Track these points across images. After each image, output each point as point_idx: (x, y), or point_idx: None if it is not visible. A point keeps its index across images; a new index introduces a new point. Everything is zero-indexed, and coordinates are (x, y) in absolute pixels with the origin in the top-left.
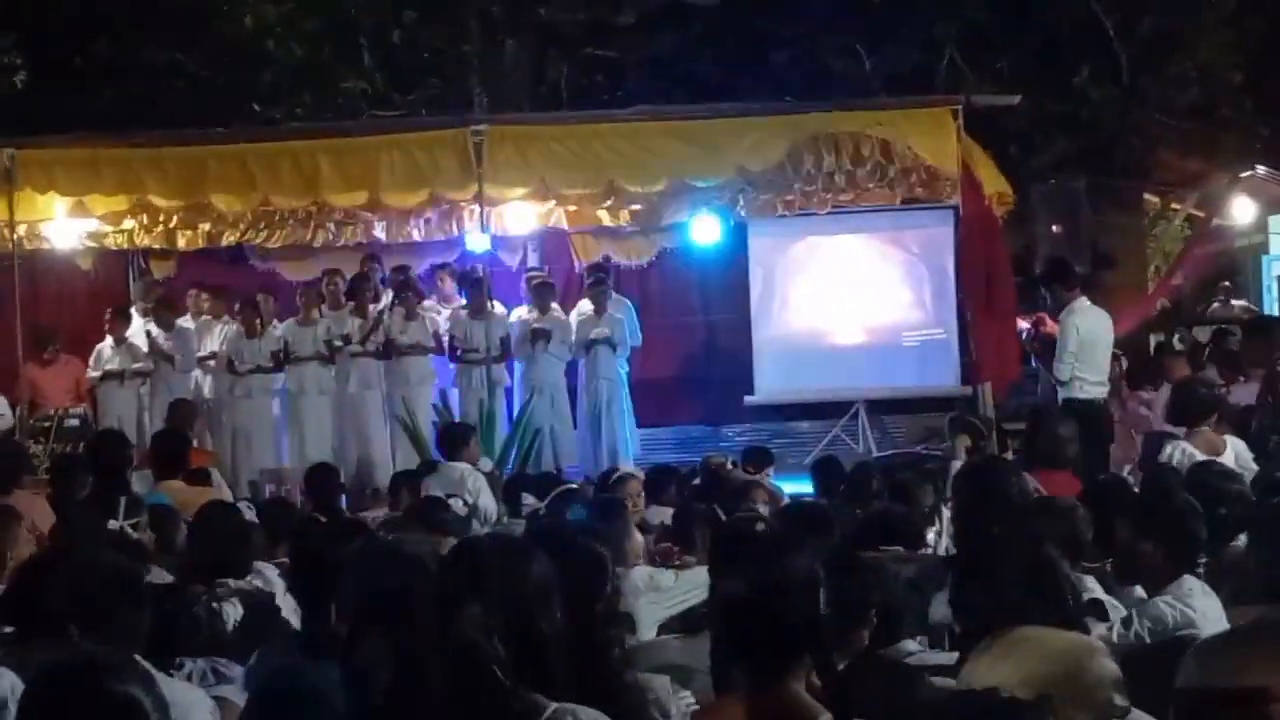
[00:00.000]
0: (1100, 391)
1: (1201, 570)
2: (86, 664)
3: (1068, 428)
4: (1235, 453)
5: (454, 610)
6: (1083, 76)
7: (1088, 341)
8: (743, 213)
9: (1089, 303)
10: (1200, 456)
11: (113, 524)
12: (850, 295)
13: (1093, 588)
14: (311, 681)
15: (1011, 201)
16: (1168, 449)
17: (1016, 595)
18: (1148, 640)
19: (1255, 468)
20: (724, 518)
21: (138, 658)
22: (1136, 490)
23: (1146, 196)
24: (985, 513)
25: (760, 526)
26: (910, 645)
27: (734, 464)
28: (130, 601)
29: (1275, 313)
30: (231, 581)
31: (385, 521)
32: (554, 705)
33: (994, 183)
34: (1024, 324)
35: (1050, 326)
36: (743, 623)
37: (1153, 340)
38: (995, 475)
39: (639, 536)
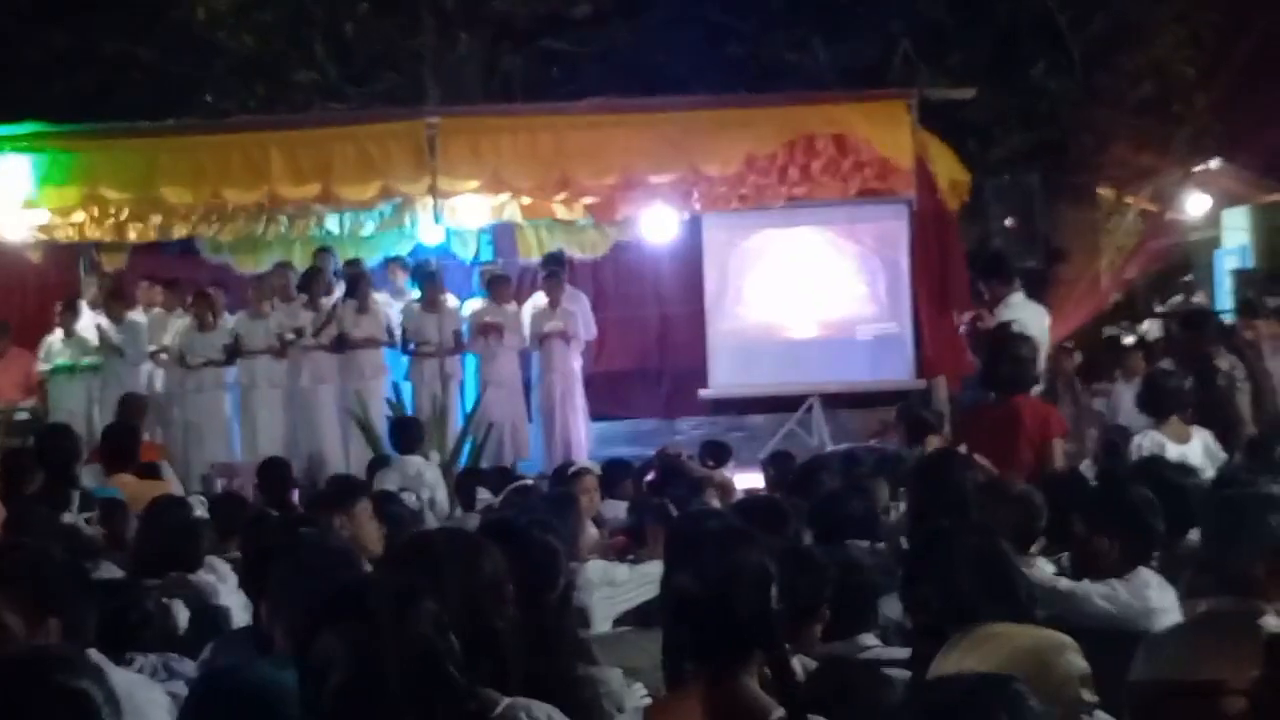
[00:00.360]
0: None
1: (1155, 563)
2: (34, 658)
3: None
4: (1203, 443)
5: (408, 606)
6: (1038, 70)
7: None
8: (697, 206)
9: (1025, 297)
10: (1170, 446)
11: (67, 517)
12: (804, 289)
13: (1044, 567)
14: (256, 678)
15: (967, 191)
16: (1136, 439)
17: (967, 589)
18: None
19: (1224, 456)
20: (677, 512)
21: (89, 651)
22: (1093, 484)
23: (1100, 191)
24: (937, 506)
25: (714, 521)
26: (868, 639)
27: (690, 458)
28: (81, 594)
29: (1229, 306)
30: (181, 575)
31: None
32: (506, 700)
33: (953, 171)
34: (963, 319)
35: (987, 321)
36: (695, 617)
37: (1105, 334)
38: (948, 468)
39: (593, 530)
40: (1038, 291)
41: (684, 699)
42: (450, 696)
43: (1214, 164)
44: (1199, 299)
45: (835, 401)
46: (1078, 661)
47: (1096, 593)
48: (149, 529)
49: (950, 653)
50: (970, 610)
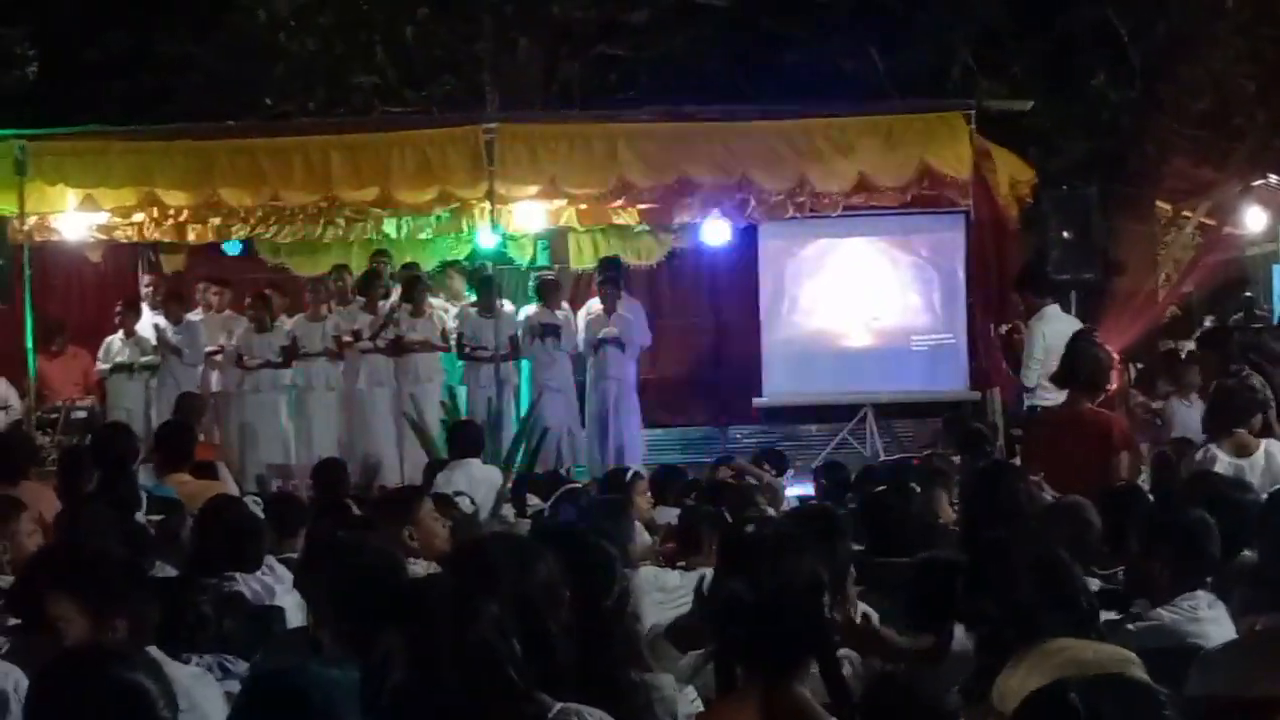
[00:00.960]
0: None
1: (1210, 580)
2: (92, 652)
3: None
4: (1268, 454)
5: (470, 608)
6: (1098, 81)
7: (1054, 349)
8: (753, 215)
9: (1059, 310)
10: (1227, 460)
11: (140, 518)
12: (860, 298)
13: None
14: (305, 678)
15: (1031, 190)
16: (1198, 454)
17: (1028, 599)
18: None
19: None
20: (730, 519)
21: (149, 649)
22: (1148, 500)
23: (1158, 204)
24: (993, 517)
25: (768, 528)
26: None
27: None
28: (139, 592)
29: None
30: (239, 576)
31: None
32: (559, 705)
33: (1014, 170)
34: (1000, 330)
35: (1021, 333)
36: (747, 623)
37: (1161, 348)
38: (1003, 480)
39: (645, 537)
40: (1093, 304)
41: (735, 705)
42: (507, 699)
43: (1273, 179)
44: (1261, 313)
45: (889, 411)
46: (1143, 677)
47: (1140, 628)
48: (209, 528)
49: (1015, 669)
50: (1030, 620)
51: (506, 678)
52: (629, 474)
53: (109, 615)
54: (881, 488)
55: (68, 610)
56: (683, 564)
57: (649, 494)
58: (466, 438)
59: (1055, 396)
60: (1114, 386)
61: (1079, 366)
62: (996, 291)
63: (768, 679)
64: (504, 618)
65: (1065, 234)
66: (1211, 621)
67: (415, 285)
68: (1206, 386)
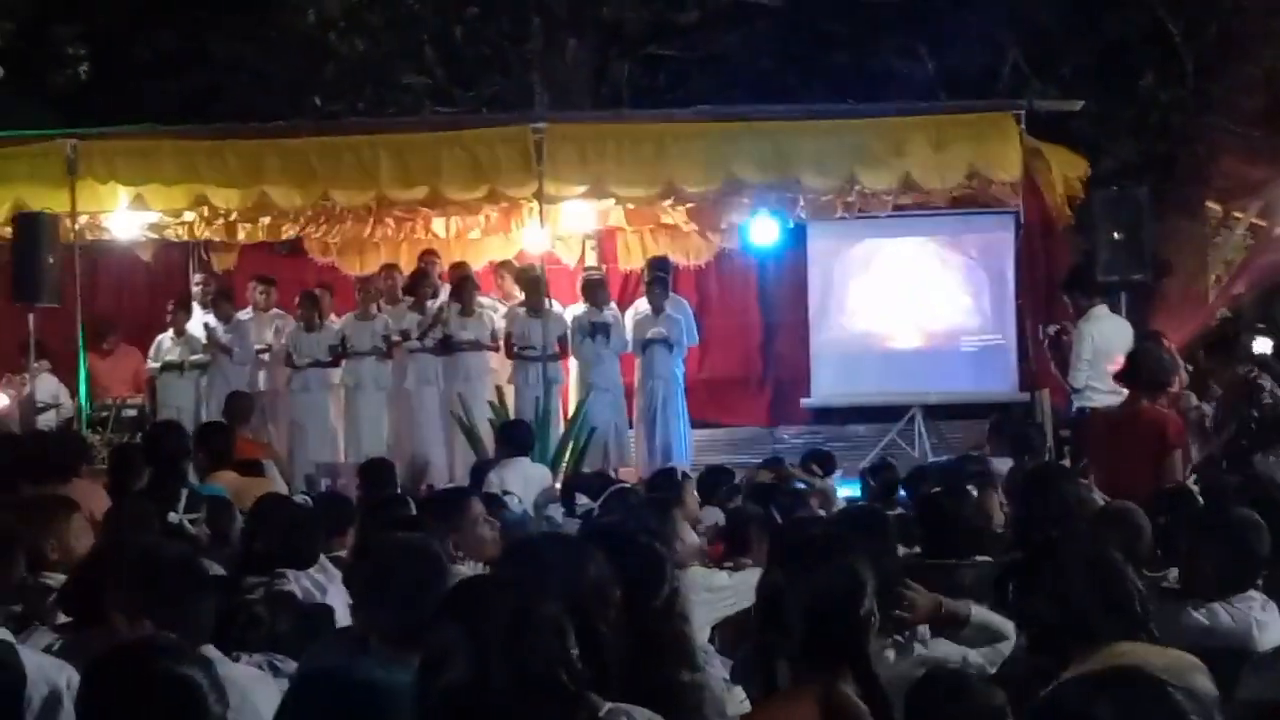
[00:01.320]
0: (1111, 400)
1: (1261, 582)
2: (144, 646)
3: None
4: None
5: (528, 609)
6: (1149, 81)
7: (1102, 350)
8: (802, 214)
9: (1108, 311)
10: None
11: (173, 517)
12: (909, 299)
13: None
14: (353, 677)
15: (1083, 186)
16: (1257, 456)
17: (1082, 602)
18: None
19: None
20: (780, 520)
21: (204, 647)
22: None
23: (1208, 204)
24: (1045, 519)
25: (818, 529)
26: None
27: (793, 466)
28: (196, 591)
29: None
30: (290, 573)
31: None
32: (608, 705)
33: (1066, 167)
34: (1048, 331)
35: (1070, 334)
36: (797, 623)
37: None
38: (1054, 481)
39: (695, 537)
40: (1143, 305)
41: (782, 705)
42: (560, 701)
43: None
44: None
45: (937, 413)
46: (1209, 686)
47: (1196, 618)
48: (261, 525)
49: (1081, 671)
50: (1083, 622)
51: (559, 680)
52: (677, 474)
53: (162, 613)
54: (936, 489)
55: (123, 608)
56: (730, 565)
57: (695, 495)
58: (518, 436)
59: (1104, 398)
60: (1176, 389)
61: (1142, 366)
62: (1045, 293)
63: (815, 678)
64: (561, 619)
65: (1115, 235)
66: (1266, 625)
67: (464, 285)
68: (1218, 390)
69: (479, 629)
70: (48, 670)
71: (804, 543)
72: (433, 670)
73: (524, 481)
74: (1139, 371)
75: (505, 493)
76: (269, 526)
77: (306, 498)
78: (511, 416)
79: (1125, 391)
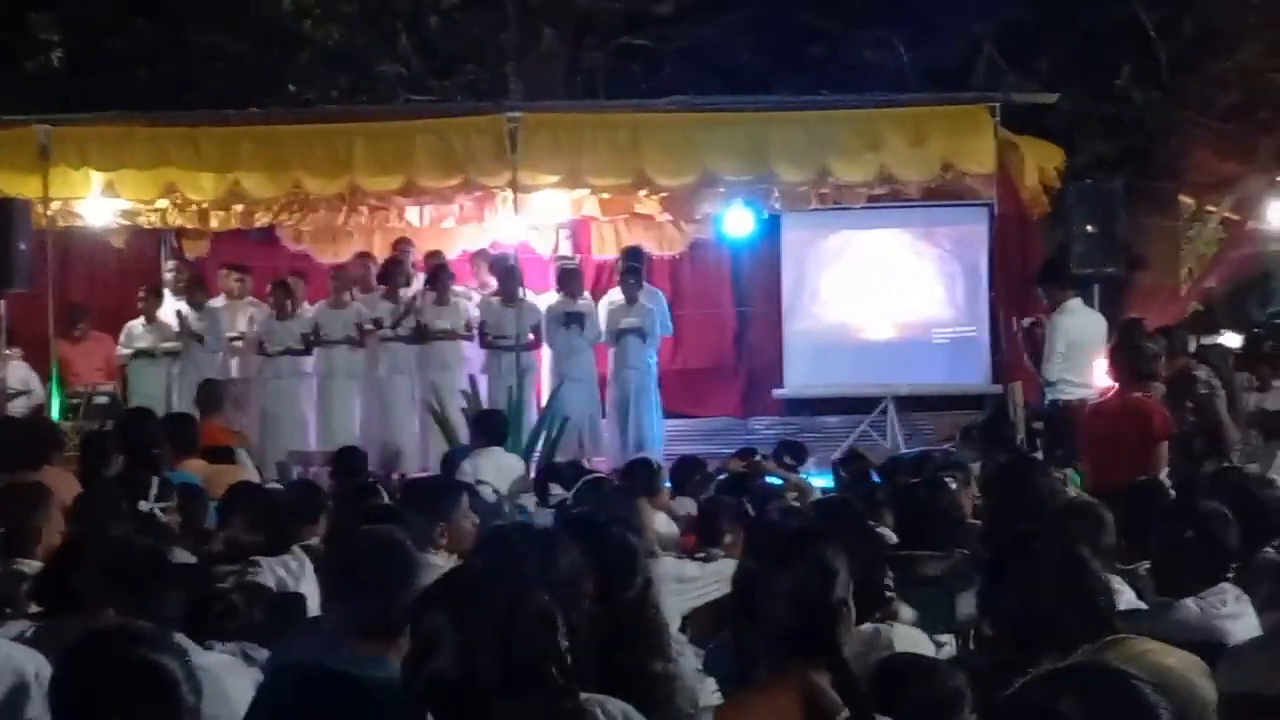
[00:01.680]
0: (1084, 393)
1: (1232, 575)
2: (117, 633)
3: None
4: None
5: (519, 601)
6: (1124, 76)
7: (1076, 343)
8: (776, 205)
9: (1081, 304)
10: None
11: (143, 505)
12: (882, 290)
13: (1119, 589)
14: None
15: (1059, 176)
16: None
17: (1047, 597)
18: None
19: None
20: (753, 512)
21: (175, 635)
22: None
23: (1182, 198)
24: (1016, 513)
25: (794, 521)
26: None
27: (764, 457)
28: (163, 581)
29: None
30: (263, 561)
31: None
32: (582, 695)
33: (1041, 158)
34: (1022, 324)
35: (1043, 326)
36: (772, 615)
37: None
38: (1026, 475)
39: (672, 527)
40: (1116, 299)
41: (756, 696)
42: (546, 694)
43: None
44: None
45: (909, 404)
46: (1210, 690)
47: (1168, 619)
48: (235, 513)
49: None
50: (1049, 618)
51: (547, 672)
52: (653, 464)
53: (129, 602)
54: (914, 480)
55: (92, 596)
56: (701, 555)
57: (669, 484)
58: (491, 426)
59: (1077, 390)
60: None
61: (1125, 356)
62: (1019, 285)
63: (790, 669)
64: (553, 611)
65: (1089, 228)
66: (1237, 616)
67: (438, 274)
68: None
69: (468, 619)
70: (16, 659)
71: (778, 533)
72: (420, 659)
73: (497, 471)
74: (1125, 367)
75: (479, 482)
76: (241, 513)
77: (278, 486)
78: (485, 406)
79: (1097, 385)
